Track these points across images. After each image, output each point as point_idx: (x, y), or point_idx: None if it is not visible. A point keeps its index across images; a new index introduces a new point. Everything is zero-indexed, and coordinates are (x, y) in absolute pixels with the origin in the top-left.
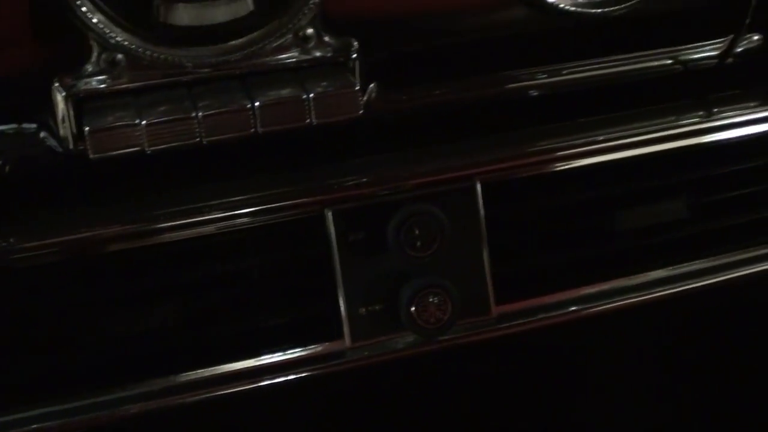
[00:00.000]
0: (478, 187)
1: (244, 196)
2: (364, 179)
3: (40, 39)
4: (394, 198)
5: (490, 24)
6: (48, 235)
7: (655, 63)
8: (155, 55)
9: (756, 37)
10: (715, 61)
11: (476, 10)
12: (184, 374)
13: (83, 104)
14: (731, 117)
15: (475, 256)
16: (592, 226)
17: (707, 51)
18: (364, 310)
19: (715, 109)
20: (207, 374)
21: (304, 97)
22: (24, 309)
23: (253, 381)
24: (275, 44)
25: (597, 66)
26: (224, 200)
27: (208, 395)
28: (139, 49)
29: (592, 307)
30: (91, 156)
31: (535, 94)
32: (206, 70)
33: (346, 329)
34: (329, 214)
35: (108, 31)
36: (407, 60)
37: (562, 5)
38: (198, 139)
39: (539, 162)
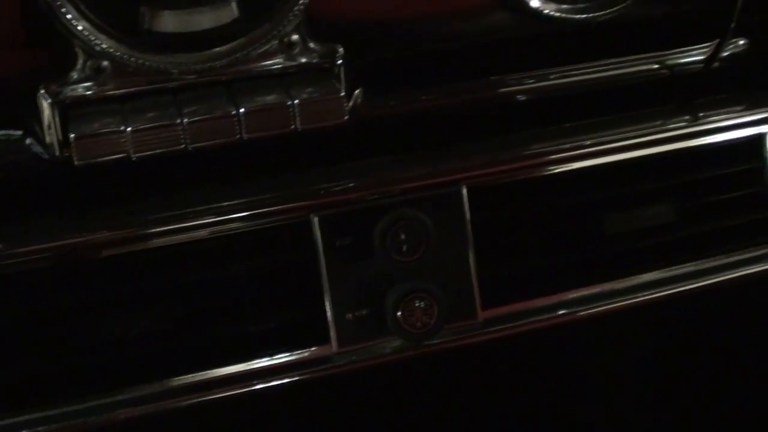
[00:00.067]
0: (464, 191)
1: (230, 202)
2: (350, 185)
3: (26, 46)
4: (380, 203)
5: (475, 29)
6: (34, 241)
7: (642, 68)
8: (140, 61)
9: (741, 42)
10: (701, 65)
11: (461, 16)
12: (170, 379)
13: (69, 111)
14: (718, 121)
15: (462, 261)
16: (579, 230)
17: (693, 55)
18: (350, 315)
19: (702, 113)
20: (193, 379)
21: (289, 103)
22: (14, 314)
23: (240, 386)
24: (260, 51)
25: (583, 71)
26: (210, 206)
27: (194, 400)
28: (125, 56)
29: (578, 311)
30: (77, 162)
31: (521, 99)
32: (191, 76)
33: (332, 334)
34: (315, 220)
35: (93, 38)
36: (392, 66)
37: (546, 11)
38: (183, 146)
39: (525, 166)
